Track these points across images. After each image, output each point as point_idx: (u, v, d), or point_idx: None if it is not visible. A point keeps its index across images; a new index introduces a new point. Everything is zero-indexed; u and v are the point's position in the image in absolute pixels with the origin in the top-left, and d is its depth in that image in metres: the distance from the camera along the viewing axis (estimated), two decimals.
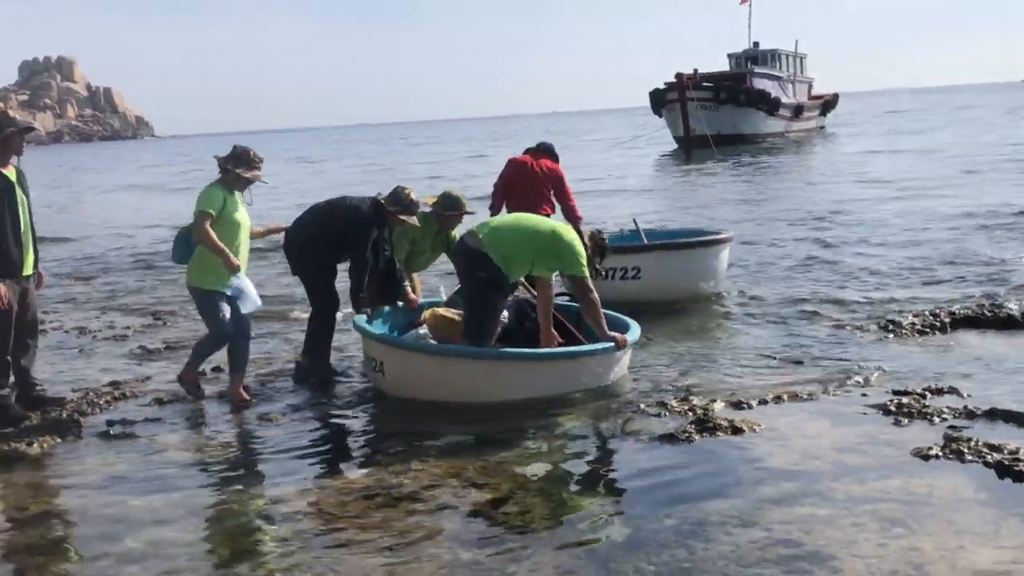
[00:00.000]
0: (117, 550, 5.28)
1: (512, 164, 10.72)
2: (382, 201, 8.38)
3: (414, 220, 8.41)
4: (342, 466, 6.47)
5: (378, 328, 8.29)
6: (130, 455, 6.85)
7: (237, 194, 7.79)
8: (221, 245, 7.51)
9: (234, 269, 7.60)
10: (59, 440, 7.17)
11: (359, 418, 7.54)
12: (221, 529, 5.51)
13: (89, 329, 11.35)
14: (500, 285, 7.72)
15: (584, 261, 7.77)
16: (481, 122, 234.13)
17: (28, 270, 7.50)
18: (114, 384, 8.59)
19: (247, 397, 7.92)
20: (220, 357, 9.40)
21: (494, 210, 10.56)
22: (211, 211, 7.52)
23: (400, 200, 8.37)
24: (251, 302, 7.80)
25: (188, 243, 7.78)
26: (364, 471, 6.31)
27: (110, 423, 7.52)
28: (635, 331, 8.16)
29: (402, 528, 5.39)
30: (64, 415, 7.65)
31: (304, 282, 8.58)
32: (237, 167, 7.70)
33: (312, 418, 7.53)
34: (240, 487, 6.15)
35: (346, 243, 8.26)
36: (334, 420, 7.49)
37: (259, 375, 8.70)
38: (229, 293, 7.71)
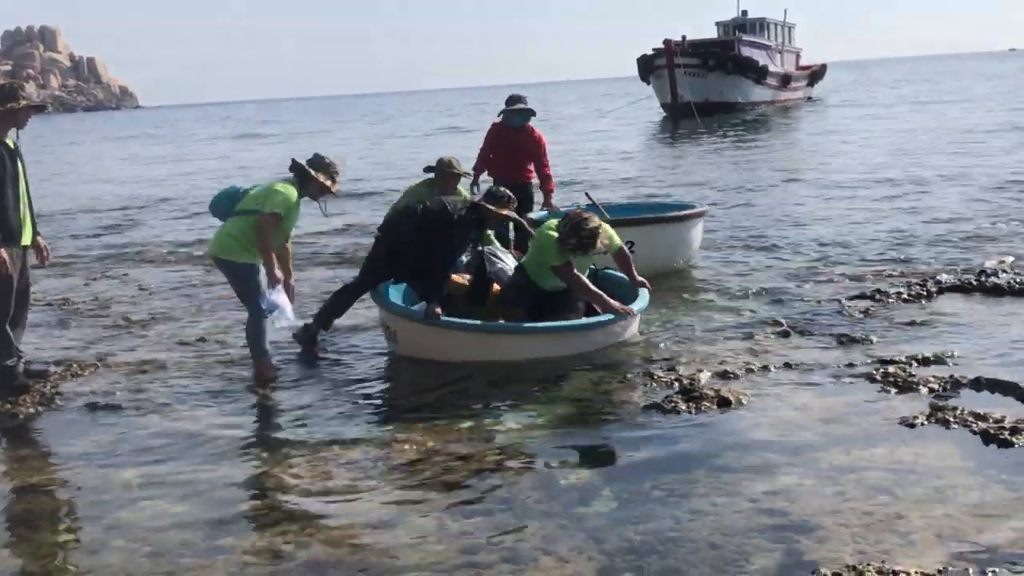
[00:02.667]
0: (103, 523, 5.26)
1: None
2: (481, 202, 8.32)
3: (509, 212, 8.37)
4: (328, 438, 6.43)
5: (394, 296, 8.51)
6: (115, 427, 6.83)
7: (316, 203, 7.76)
8: (273, 256, 7.41)
9: (276, 282, 7.46)
10: (43, 412, 7.15)
11: (345, 391, 7.50)
12: (206, 501, 5.48)
13: (73, 301, 11.28)
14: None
15: (553, 252, 8.03)
16: (463, 92, 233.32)
17: (26, 240, 7.51)
18: (97, 356, 8.55)
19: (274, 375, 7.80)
20: (206, 328, 9.42)
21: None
22: (281, 213, 7.41)
23: (497, 197, 8.33)
24: (286, 319, 7.50)
25: (233, 205, 7.62)
26: (350, 443, 6.29)
27: (93, 394, 7.49)
28: (644, 298, 8.49)
29: (388, 500, 5.38)
30: (48, 387, 7.61)
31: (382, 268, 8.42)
32: (321, 174, 7.66)
33: (298, 391, 7.51)
34: (225, 459, 6.13)
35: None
36: (320, 393, 7.45)
37: (242, 345, 8.67)
38: (263, 307, 7.47)
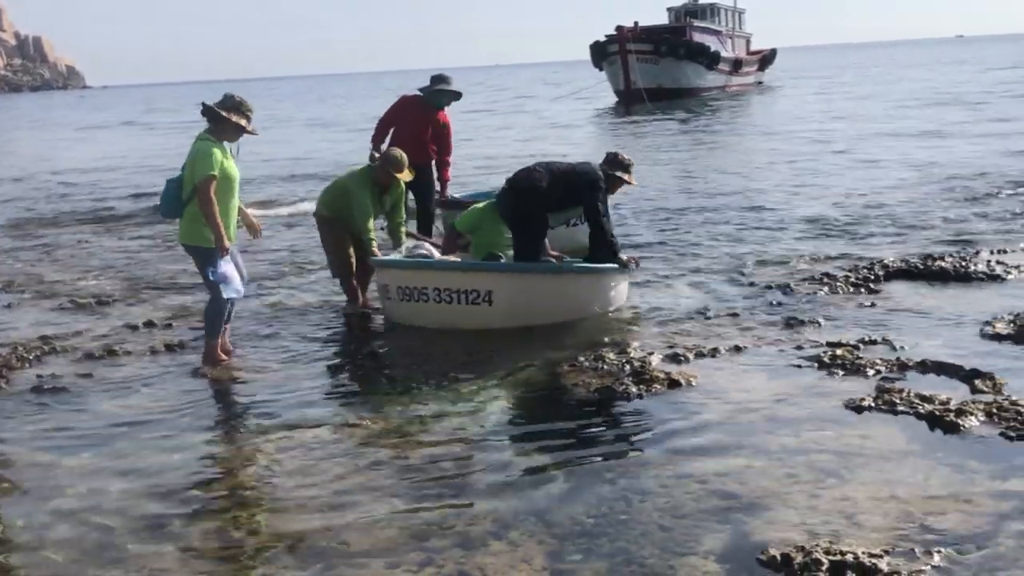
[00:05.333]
0: (48, 508, 5.20)
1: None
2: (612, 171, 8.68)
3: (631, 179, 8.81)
4: (278, 422, 6.38)
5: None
6: (61, 411, 6.75)
7: (227, 145, 7.35)
8: (219, 222, 7.11)
9: (224, 252, 7.23)
10: None
11: (295, 374, 7.45)
12: (155, 486, 5.41)
13: (18, 283, 11.12)
14: None
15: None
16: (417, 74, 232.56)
17: None
18: (44, 339, 8.43)
19: (223, 357, 7.67)
20: (153, 312, 9.32)
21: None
22: (215, 173, 7.09)
23: (621, 163, 8.76)
24: (233, 290, 7.37)
25: (180, 198, 7.27)
26: (301, 427, 6.24)
27: (40, 378, 7.38)
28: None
29: (340, 484, 5.35)
30: None
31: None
32: (233, 115, 7.26)
33: (247, 373, 7.46)
34: (173, 443, 6.06)
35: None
36: (270, 376, 7.41)
37: (190, 328, 8.62)
38: (211, 278, 7.30)
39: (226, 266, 7.30)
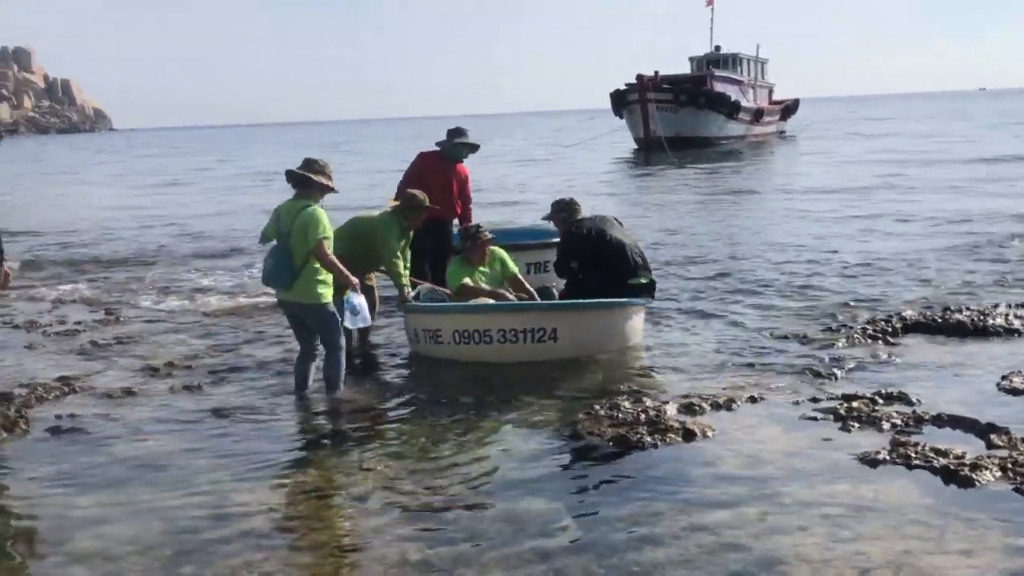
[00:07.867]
0: (63, 549, 5.23)
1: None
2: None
3: None
4: (293, 465, 6.43)
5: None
6: (78, 451, 6.79)
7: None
8: (345, 271, 7.65)
9: (356, 287, 7.76)
10: (5, 435, 7.10)
11: (310, 417, 7.51)
12: (169, 528, 5.44)
13: (39, 324, 11.22)
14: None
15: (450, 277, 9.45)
16: (440, 121, 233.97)
17: None
18: (63, 379, 8.50)
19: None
20: (173, 354, 9.37)
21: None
22: (328, 235, 7.53)
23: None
24: (363, 320, 7.96)
25: (291, 267, 7.55)
26: (315, 471, 6.29)
27: (58, 418, 7.44)
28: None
29: (352, 528, 5.39)
30: (12, 410, 7.54)
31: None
32: (322, 177, 7.67)
33: (262, 416, 7.49)
34: (189, 486, 6.09)
35: None
36: (283, 419, 7.44)
37: (209, 371, 8.67)
38: (346, 308, 7.80)
39: (357, 297, 7.83)
